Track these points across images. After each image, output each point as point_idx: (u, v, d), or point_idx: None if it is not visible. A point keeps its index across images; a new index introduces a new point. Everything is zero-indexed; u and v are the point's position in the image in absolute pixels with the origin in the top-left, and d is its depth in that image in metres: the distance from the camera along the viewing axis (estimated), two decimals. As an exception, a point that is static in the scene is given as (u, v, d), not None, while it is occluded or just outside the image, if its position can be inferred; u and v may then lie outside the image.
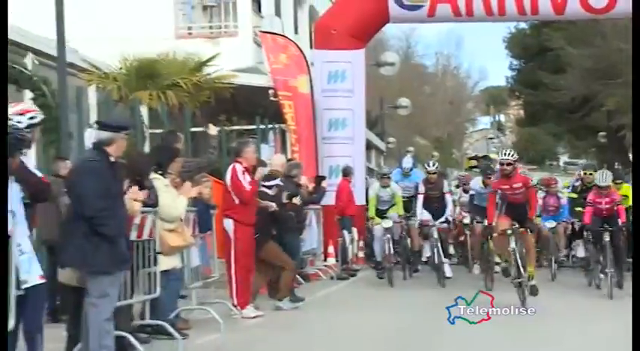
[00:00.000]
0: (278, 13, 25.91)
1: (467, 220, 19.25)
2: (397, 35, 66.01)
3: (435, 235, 16.80)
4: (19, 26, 15.92)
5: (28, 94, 13.76)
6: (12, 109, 7.57)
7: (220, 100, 17.94)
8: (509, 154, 13.59)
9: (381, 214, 17.16)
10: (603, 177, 15.59)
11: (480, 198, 17.23)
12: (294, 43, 21.16)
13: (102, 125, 8.53)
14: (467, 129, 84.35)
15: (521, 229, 13.28)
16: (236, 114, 19.19)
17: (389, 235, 16.78)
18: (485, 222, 16.18)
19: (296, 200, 14.36)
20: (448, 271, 16.80)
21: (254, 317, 12.18)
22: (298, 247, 14.72)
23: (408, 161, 19.46)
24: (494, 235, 13.72)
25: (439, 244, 16.79)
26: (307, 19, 30.02)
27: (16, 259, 7.15)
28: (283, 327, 11.79)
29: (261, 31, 21.02)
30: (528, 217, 13.59)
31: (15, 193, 7.23)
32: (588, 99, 37.93)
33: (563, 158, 78.13)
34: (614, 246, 15.27)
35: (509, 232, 13.10)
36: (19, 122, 7.49)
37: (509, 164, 13.36)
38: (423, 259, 18.40)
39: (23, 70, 13.03)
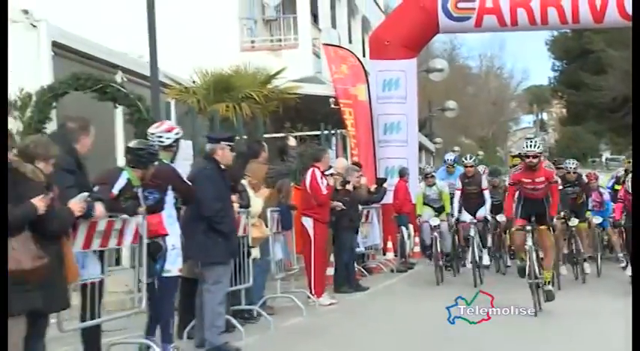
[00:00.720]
0: (334, 24, 27.22)
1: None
2: (442, 38, 67.01)
3: (472, 233, 16.17)
4: (108, 47, 17.44)
5: (120, 109, 15.26)
6: (158, 128, 9.01)
7: (286, 108, 19.28)
8: (534, 145, 12.36)
9: (435, 212, 17.34)
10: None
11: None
12: (354, 53, 22.44)
13: (208, 138, 9.97)
14: (510, 128, 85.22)
15: (541, 227, 12.32)
16: (300, 121, 20.50)
17: (436, 234, 16.57)
18: (498, 218, 16.52)
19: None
20: (486, 259, 16.65)
21: (329, 304, 13.50)
22: (352, 243, 15.75)
23: (450, 155, 20.17)
24: (512, 230, 12.86)
25: (475, 244, 16.09)
26: (360, 29, 31.35)
27: (163, 252, 8.57)
28: (353, 313, 13.08)
29: (323, 44, 22.32)
30: (549, 214, 12.45)
31: (170, 198, 8.65)
32: (628, 99, 38.81)
33: (605, 155, 78.60)
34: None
35: (527, 228, 12.18)
36: (167, 138, 8.91)
37: (534, 157, 12.19)
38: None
39: (120, 88, 14.37)
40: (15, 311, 6.63)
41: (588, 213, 17.05)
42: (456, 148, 40.01)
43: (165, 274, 8.73)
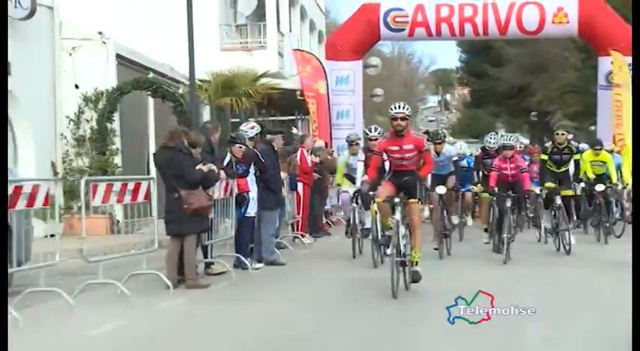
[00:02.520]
0: (291, 28, 31.95)
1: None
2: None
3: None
4: (149, 56, 21.99)
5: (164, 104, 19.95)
6: (245, 126, 13.74)
7: (269, 100, 24.01)
8: (403, 107, 10.89)
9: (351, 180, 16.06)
10: (508, 138, 15.26)
11: (436, 167, 14.81)
12: (316, 56, 27.24)
13: (269, 132, 14.84)
14: (418, 107, 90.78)
15: (410, 201, 10.76)
16: (274, 109, 25.25)
17: (355, 205, 15.19)
18: (438, 190, 15.20)
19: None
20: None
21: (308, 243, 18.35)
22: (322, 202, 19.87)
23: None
24: (377, 200, 11.14)
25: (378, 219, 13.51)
26: (308, 30, 36.19)
27: (246, 202, 13.28)
28: (319, 250, 17.76)
29: (293, 49, 27.08)
30: (417, 176, 11.07)
31: (252, 169, 13.38)
32: (523, 88, 44.04)
33: (501, 132, 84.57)
34: (515, 211, 14.73)
35: (395, 200, 10.68)
36: (251, 133, 13.62)
37: (403, 119, 10.76)
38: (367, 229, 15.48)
39: (169, 89, 19.00)
40: (194, 231, 11.38)
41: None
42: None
43: (246, 215, 13.48)
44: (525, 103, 45.41)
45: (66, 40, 18.98)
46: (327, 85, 26.49)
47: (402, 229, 10.65)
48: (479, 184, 17.06)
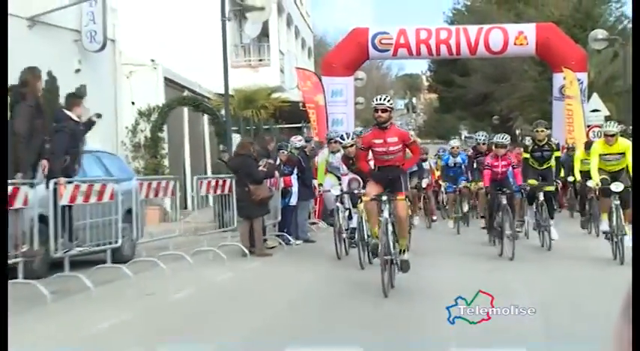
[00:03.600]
0: (289, 47, 35.95)
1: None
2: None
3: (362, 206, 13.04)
4: (188, 78, 25.87)
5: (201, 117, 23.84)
6: (295, 138, 17.68)
7: (280, 111, 28.01)
8: (385, 99, 10.62)
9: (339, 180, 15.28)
10: (501, 137, 15.14)
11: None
12: (316, 73, 31.20)
13: (306, 139, 18.78)
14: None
15: (398, 197, 10.47)
16: (283, 118, 29.25)
17: (339, 204, 14.55)
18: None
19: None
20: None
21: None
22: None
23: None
24: (365, 199, 11.05)
25: (364, 220, 13.11)
26: (300, 46, 40.23)
27: (290, 194, 17.21)
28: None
29: (296, 68, 31.06)
30: (401, 167, 10.78)
31: (295, 171, 17.33)
32: (487, 96, 48.14)
33: (464, 133, 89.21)
34: (511, 208, 14.45)
35: (383, 198, 10.43)
36: (297, 143, 17.57)
37: (384, 111, 10.43)
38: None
39: (207, 104, 22.97)
40: (260, 214, 15.34)
41: None
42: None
43: (289, 204, 17.46)
44: (489, 108, 49.48)
45: (124, 66, 22.88)
46: (325, 97, 30.46)
47: (391, 228, 10.31)
48: (473, 182, 17.90)
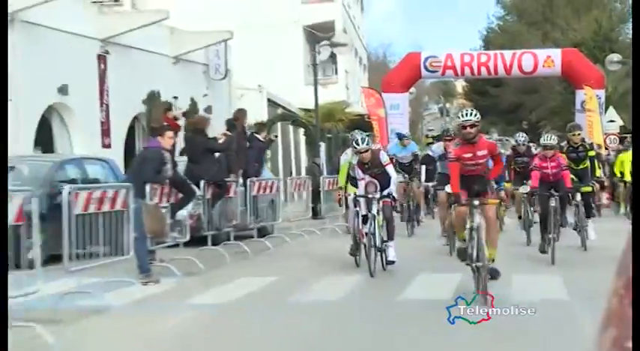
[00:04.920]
0: (352, 67, 41.52)
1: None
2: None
3: (374, 211, 12.67)
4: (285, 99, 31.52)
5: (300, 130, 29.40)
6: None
7: (351, 122, 33.54)
8: (470, 113, 10.13)
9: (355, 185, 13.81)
10: (547, 138, 14.38)
11: (443, 165, 14.76)
12: (377, 90, 36.71)
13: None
14: (422, 114, 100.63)
15: (489, 201, 10.23)
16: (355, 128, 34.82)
17: (357, 209, 13.19)
18: (447, 188, 13.51)
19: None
20: (392, 255, 12.88)
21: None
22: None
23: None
24: (456, 208, 10.70)
25: (376, 227, 12.60)
26: (358, 64, 45.80)
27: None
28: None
29: (362, 87, 36.61)
30: (490, 190, 10.55)
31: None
32: (518, 105, 53.38)
33: (494, 136, 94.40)
34: (560, 211, 13.90)
35: (475, 202, 10.00)
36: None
37: (472, 126, 9.95)
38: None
39: (301, 119, 28.52)
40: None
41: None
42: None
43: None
44: (519, 116, 54.64)
45: (237, 90, 28.47)
46: (385, 110, 35.94)
47: (483, 234, 9.85)
48: (510, 182, 17.00)
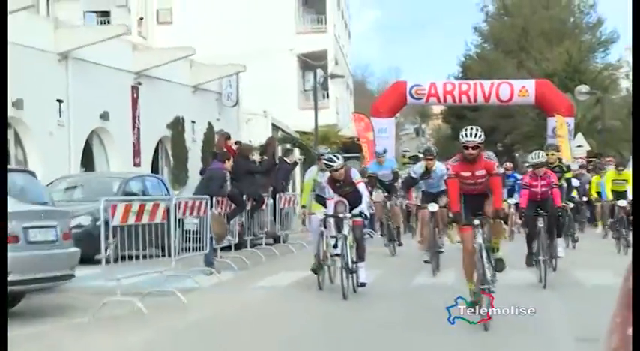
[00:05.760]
0: (340, 93, 45.35)
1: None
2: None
3: (345, 231, 12.33)
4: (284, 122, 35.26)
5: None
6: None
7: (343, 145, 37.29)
8: (475, 134, 9.67)
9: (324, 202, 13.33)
10: (537, 155, 13.90)
11: (427, 184, 15.44)
12: (366, 115, 40.49)
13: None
14: (399, 134, 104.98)
15: (494, 220, 10.02)
16: (343, 150, 38.53)
17: (323, 229, 12.90)
18: (430, 207, 14.60)
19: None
20: (363, 276, 12.52)
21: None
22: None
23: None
24: (462, 235, 10.08)
25: (347, 239, 12.28)
26: (346, 88, 49.67)
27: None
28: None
29: (353, 112, 40.40)
30: (494, 208, 9.96)
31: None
32: (494, 129, 57.22)
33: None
34: (549, 231, 13.38)
35: (475, 222, 9.66)
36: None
37: (474, 148, 9.65)
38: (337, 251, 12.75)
39: (301, 141, 32.14)
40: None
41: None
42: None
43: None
44: (495, 139, 58.51)
45: (244, 115, 32.12)
46: (373, 133, 39.72)
47: (485, 254, 9.62)
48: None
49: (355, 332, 9.48)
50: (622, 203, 18.75)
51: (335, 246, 12.69)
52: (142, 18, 41.95)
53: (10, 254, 9.59)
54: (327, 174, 12.89)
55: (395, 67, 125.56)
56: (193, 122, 28.42)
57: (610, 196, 19.17)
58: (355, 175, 12.81)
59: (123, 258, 11.74)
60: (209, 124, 28.91)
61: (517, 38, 57.51)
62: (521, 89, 39.45)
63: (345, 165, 13.01)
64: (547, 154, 15.20)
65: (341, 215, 12.47)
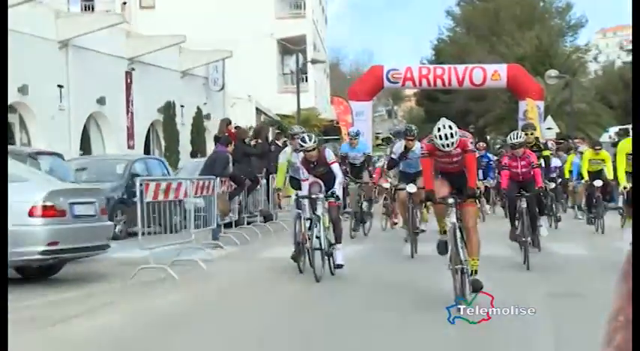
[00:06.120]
0: (318, 77, 46.88)
1: (386, 185, 18.68)
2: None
3: (320, 212, 12.14)
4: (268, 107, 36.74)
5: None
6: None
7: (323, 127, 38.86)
8: (451, 143, 9.30)
9: (299, 184, 13.28)
10: (515, 135, 13.75)
11: (405, 164, 15.27)
12: (344, 99, 42.11)
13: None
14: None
15: (467, 202, 9.54)
16: (324, 133, 40.07)
17: (299, 211, 12.71)
18: (408, 188, 14.51)
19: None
20: (339, 258, 12.40)
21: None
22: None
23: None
24: (438, 202, 9.71)
25: (322, 228, 12.12)
26: (322, 73, 51.21)
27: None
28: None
29: (332, 95, 41.95)
30: (468, 187, 9.64)
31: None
32: (467, 111, 59.03)
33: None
34: (531, 212, 13.30)
35: (449, 201, 9.46)
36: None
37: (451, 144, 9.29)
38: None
39: (285, 125, 33.63)
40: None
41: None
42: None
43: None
44: (468, 121, 60.32)
45: (230, 99, 33.57)
46: (352, 116, 41.33)
47: (459, 234, 9.46)
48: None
49: (326, 314, 9.68)
50: (598, 183, 19.19)
51: (310, 228, 12.35)
52: (125, 2, 43.15)
53: (58, 226, 11.13)
54: (302, 154, 12.59)
55: (368, 50, 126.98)
56: (182, 106, 29.84)
57: (586, 176, 19.16)
58: (330, 155, 12.61)
59: (134, 234, 13.01)
60: (198, 108, 30.37)
61: (489, 22, 59.28)
62: (494, 73, 41.19)
63: (320, 145, 12.77)
64: (526, 134, 14.92)
65: (314, 196, 12.25)
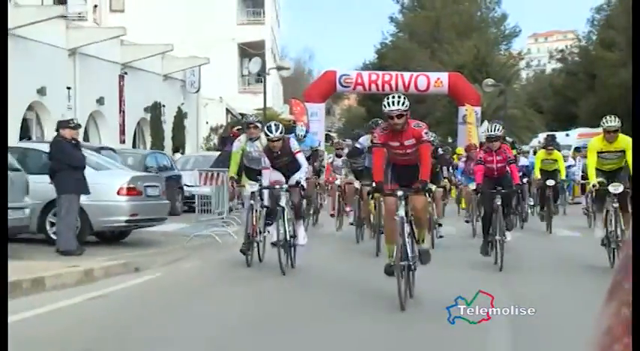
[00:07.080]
0: (276, 79, 51.37)
1: (338, 182, 19.09)
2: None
3: (283, 202, 12.26)
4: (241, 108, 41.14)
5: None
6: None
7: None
8: (398, 102, 9.20)
9: (256, 175, 13.13)
10: (493, 128, 13.39)
11: (370, 159, 12.67)
12: (301, 101, 46.61)
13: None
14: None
15: (416, 194, 9.44)
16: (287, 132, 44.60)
17: (252, 202, 12.67)
18: (356, 184, 14.43)
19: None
20: (301, 237, 12.68)
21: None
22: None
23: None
24: (385, 203, 9.90)
25: (284, 212, 12.21)
26: (277, 76, 55.73)
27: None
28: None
29: (291, 98, 46.45)
30: (420, 180, 9.45)
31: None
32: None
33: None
34: (504, 210, 12.82)
35: (399, 194, 9.38)
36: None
37: (400, 116, 9.26)
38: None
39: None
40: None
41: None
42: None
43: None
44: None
45: (203, 99, 37.87)
46: (307, 117, 45.88)
47: (408, 228, 9.32)
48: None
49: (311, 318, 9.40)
50: (551, 182, 19.58)
51: (268, 221, 12.59)
52: (96, 5, 47.05)
53: (137, 203, 15.47)
54: (257, 143, 13.01)
55: (308, 48, 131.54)
56: (164, 106, 34.12)
57: (539, 175, 19.52)
58: (294, 144, 12.81)
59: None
60: (178, 108, 34.69)
61: (430, 30, 64.31)
62: (437, 81, 46.07)
63: (284, 136, 12.78)
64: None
65: (277, 186, 12.26)
